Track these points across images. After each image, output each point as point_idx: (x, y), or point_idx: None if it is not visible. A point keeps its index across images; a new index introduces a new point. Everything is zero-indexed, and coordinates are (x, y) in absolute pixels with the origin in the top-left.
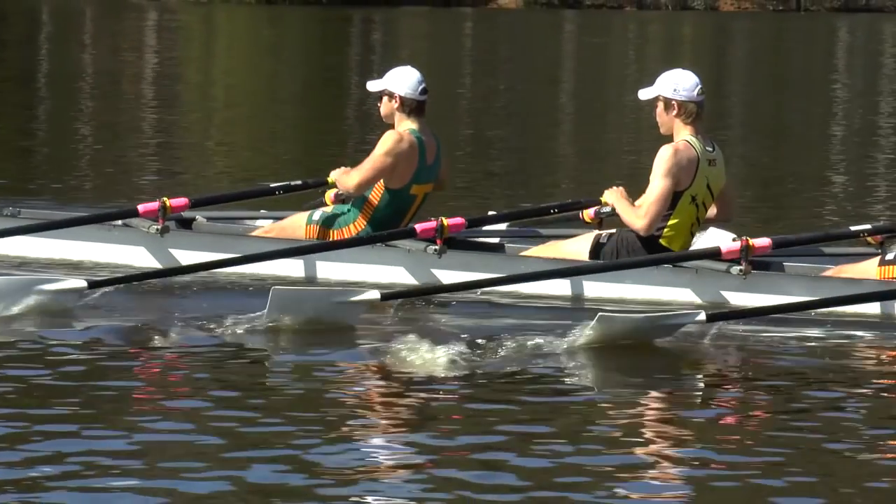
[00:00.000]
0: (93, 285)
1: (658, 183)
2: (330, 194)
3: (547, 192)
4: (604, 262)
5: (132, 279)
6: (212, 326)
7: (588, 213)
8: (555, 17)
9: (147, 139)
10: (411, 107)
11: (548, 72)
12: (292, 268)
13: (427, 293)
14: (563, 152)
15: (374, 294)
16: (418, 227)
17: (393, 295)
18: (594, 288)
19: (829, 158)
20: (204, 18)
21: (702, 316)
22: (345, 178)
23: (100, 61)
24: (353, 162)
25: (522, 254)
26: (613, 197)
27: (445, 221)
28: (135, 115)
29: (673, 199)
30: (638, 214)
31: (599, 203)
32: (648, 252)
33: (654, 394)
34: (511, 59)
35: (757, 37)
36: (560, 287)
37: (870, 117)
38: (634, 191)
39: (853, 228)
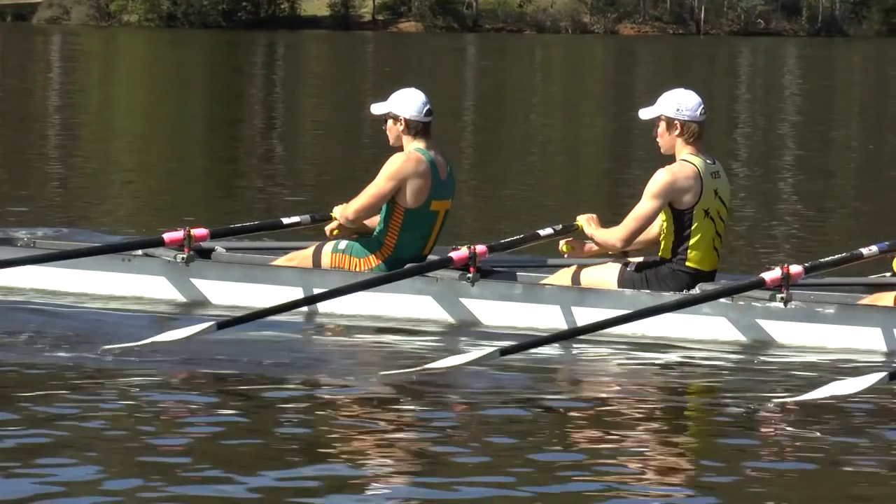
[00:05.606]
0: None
1: (644, 203)
2: (329, 227)
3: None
4: (662, 303)
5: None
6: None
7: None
8: (456, 40)
9: (48, 167)
10: (417, 129)
11: (453, 94)
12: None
13: (545, 342)
14: (474, 179)
15: (495, 354)
16: (454, 255)
17: (512, 349)
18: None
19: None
20: (106, 42)
21: (884, 377)
22: (345, 208)
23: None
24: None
25: (553, 282)
26: (584, 220)
27: (476, 248)
28: (32, 142)
29: (687, 219)
30: (614, 231)
31: (575, 227)
32: (677, 279)
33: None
34: (418, 81)
35: (663, 59)
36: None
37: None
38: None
39: (864, 251)
